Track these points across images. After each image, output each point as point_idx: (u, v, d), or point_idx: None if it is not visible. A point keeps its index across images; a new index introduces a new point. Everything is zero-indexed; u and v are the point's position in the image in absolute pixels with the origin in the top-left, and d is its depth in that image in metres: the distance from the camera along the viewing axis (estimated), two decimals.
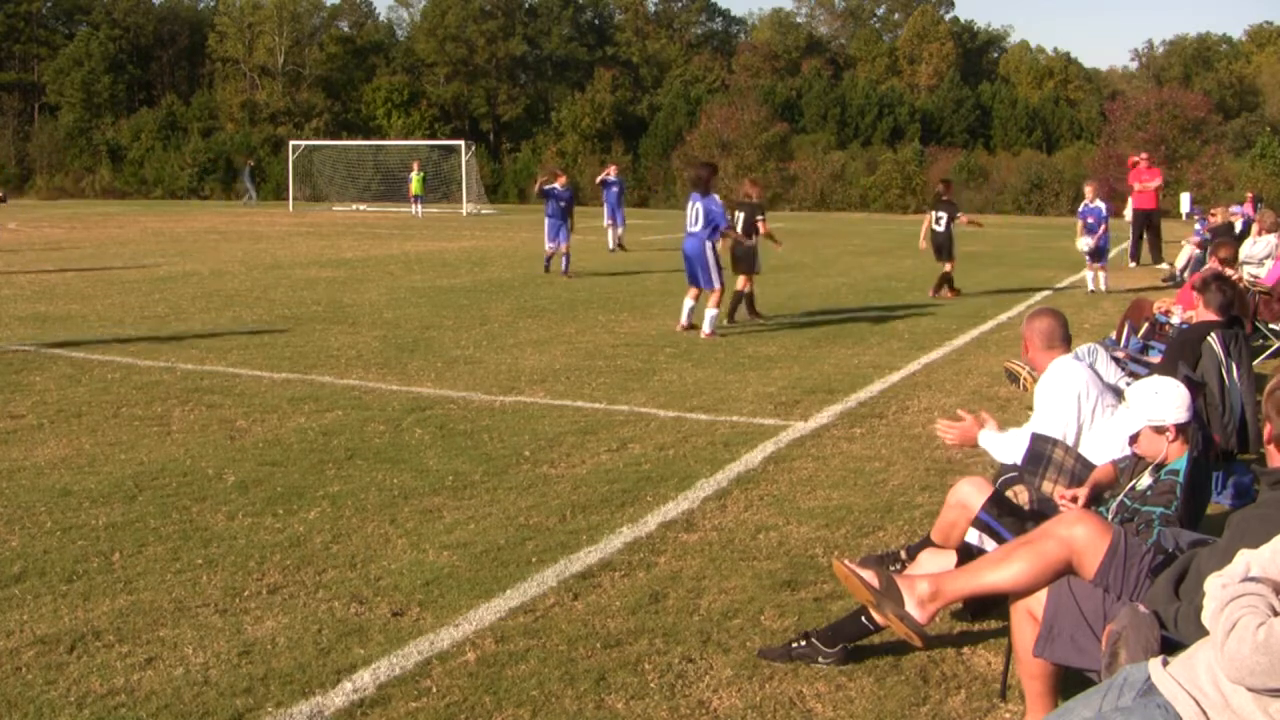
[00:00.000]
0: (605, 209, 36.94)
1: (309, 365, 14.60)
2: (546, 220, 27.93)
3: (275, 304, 20.97)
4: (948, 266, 23.75)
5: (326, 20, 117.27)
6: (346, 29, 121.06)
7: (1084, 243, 24.80)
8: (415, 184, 60.62)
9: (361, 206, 67.21)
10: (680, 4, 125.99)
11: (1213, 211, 31.39)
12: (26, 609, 6.62)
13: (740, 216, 19.73)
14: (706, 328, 17.51)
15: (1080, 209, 26.11)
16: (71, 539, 7.82)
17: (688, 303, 18.15)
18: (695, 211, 18.00)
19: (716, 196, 18.31)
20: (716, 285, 17.82)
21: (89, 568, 7.28)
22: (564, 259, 27.17)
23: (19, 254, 31.27)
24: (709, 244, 17.89)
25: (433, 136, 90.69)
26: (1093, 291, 24.74)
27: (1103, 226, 24.76)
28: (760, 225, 19.71)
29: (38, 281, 24.18)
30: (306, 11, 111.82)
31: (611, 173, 38.06)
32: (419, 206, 59.90)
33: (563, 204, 28.01)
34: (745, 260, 19.54)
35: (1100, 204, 25.52)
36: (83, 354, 15.28)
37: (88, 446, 10.40)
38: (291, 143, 75.73)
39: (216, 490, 9.03)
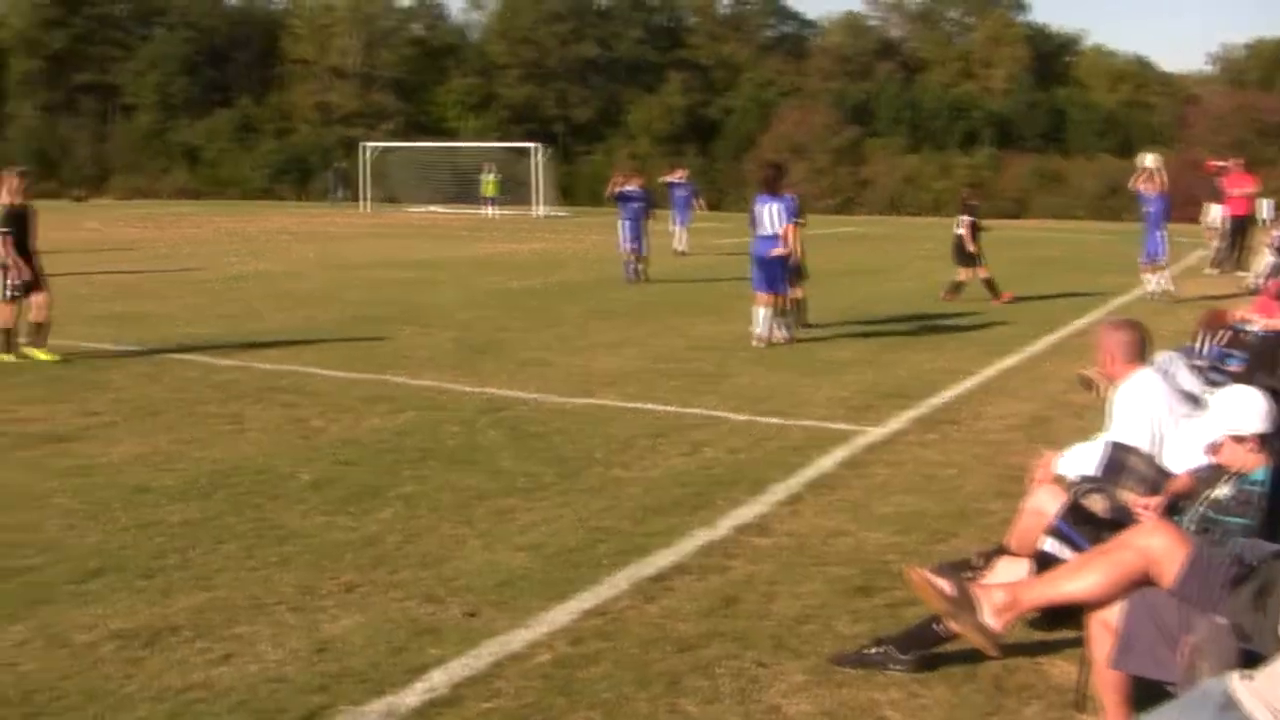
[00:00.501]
0: (673, 212, 36.82)
1: (383, 365, 14.67)
2: (623, 224, 26.98)
3: (349, 304, 21.10)
4: (973, 272, 23.44)
5: (400, 22, 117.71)
6: (419, 31, 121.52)
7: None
8: (488, 186, 60.85)
9: (434, 208, 67.46)
10: (752, 7, 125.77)
11: None
12: (105, 604, 6.69)
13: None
14: (785, 332, 17.28)
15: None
16: (148, 535, 7.90)
17: (762, 311, 17.03)
18: (770, 213, 17.02)
19: (789, 195, 17.65)
20: (784, 290, 17.33)
21: (166, 564, 7.35)
22: (636, 265, 26.57)
23: (97, 254, 31.58)
24: (783, 247, 17.09)
25: (505, 138, 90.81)
26: (1153, 294, 24.24)
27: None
28: None
29: (115, 281, 24.44)
30: (380, 13, 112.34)
31: (678, 175, 37.93)
32: (492, 208, 60.07)
33: (637, 206, 27.06)
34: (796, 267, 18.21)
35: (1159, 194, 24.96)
36: (160, 353, 15.42)
37: (164, 444, 10.50)
38: (365, 144, 76.13)
39: (291, 489, 9.10)
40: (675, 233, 35.94)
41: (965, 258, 23.32)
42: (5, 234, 14.73)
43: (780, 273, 17.13)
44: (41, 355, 14.59)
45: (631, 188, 28.00)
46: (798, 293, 18.41)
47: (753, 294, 17.26)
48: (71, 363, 14.34)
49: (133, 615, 6.53)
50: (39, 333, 14.86)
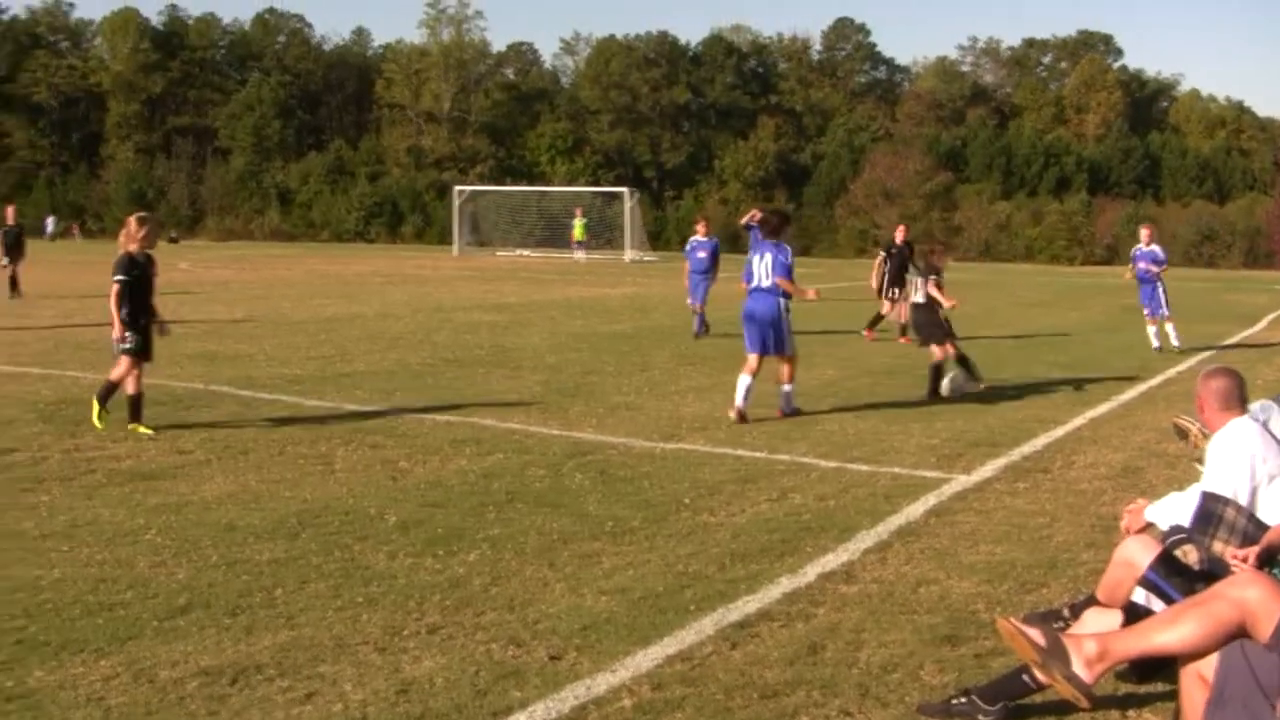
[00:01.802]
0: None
1: (471, 408, 14.72)
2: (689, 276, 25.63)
3: (439, 347, 21.21)
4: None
5: (492, 67, 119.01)
6: (512, 75, 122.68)
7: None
8: (578, 230, 61.16)
9: (525, 252, 67.84)
10: (844, 52, 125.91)
11: None
12: (191, 640, 6.73)
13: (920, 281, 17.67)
14: (784, 406, 15.09)
15: (1134, 251, 24.96)
16: (236, 573, 7.94)
17: (746, 380, 14.68)
18: (765, 264, 14.92)
19: (789, 248, 15.23)
20: (790, 351, 15.02)
21: (252, 602, 7.39)
22: (698, 319, 24.97)
23: (190, 294, 31.98)
24: (783, 302, 14.87)
25: (596, 183, 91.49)
26: (1159, 349, 23.29)
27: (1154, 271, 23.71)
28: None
29: (208, 321, 24.71)
30: (473, 58, 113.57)
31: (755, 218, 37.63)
32: (582, 252, 60.32)
33: (702, 255, 25.44)
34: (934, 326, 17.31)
35: (1156, 248, 24.47)
36: (250, 392, 15.56)
37: (253, 483, 10.57)
38: (456, 188, 76.77)
39: (378, 530, 9.13)
40: None
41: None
42: (116, 282, 12.90)
43: (775, 332, 14.84)
44: (142, 430, 12.75)
45: (700, 238, 26.10)
46: (948, 349, 17.08)
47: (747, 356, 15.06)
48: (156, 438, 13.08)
49: (219, 652, 6.57)
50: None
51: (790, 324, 14.98)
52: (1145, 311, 24.02)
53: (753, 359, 14.80)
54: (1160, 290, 23.68)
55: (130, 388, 12.95)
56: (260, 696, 6.02)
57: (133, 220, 13.39)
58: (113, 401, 13.05)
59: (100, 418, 12.95)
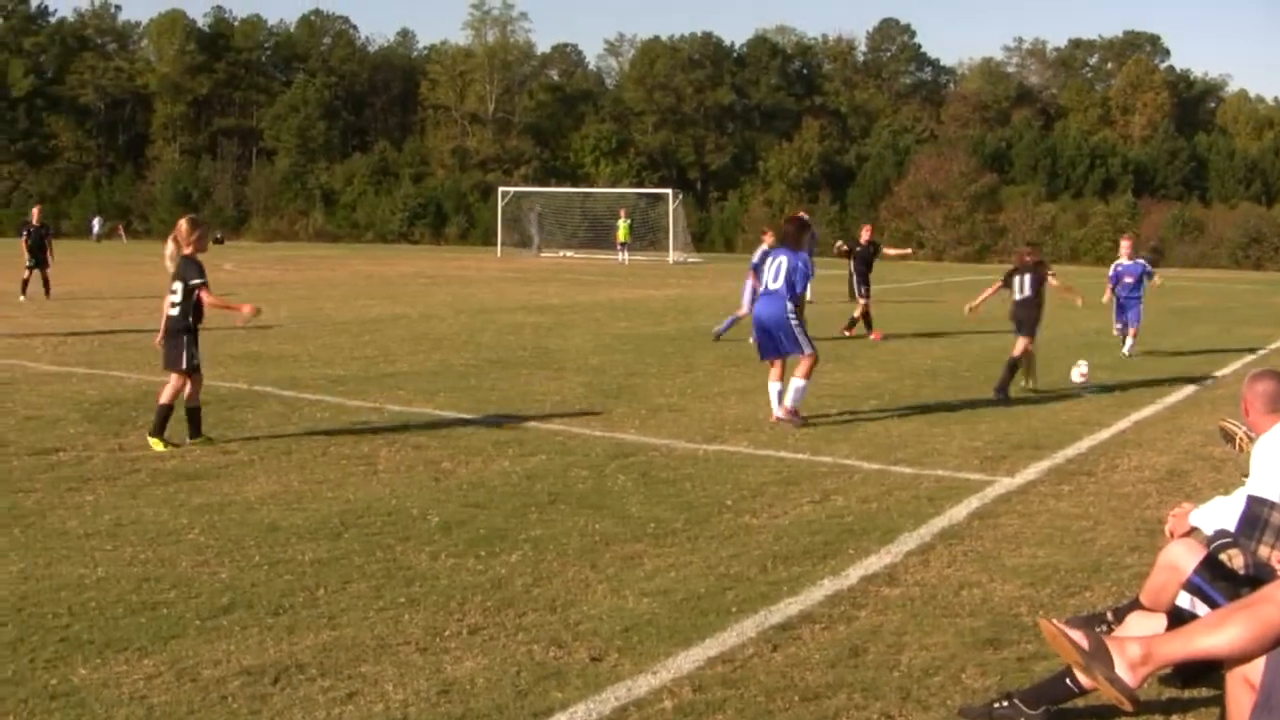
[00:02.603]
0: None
1: (514, 409, 14.74)
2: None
3: (482, 348, 21.25)
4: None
5: (537, 68, 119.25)
6: (556, 77, 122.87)
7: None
8: (622, 231, 61.17)
9: (568, 253, 67.91)
10: (889, 53, 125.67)
11: None
12: (234, 640, 6.75)
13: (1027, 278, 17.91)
14: (790, 401, 14.50)
15: (1115, 268, 23.81)
16: (278, 573, 7.97)
17: (775, 386, 14.69)
18: (777, 267, 14.77)
19: (807, 254, 15.25)
20: (808, 350, 14.58)
21: (294, 602, 7.41)
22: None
23: (234, 294, 32.08)
24: (790, 305, 14.63)
25: (640, 184, 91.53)
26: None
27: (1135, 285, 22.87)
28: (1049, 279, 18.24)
29: (251, 321, 24.79)
30: (517, 60, 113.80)
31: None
32: (626, 254, 60.32)
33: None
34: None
35: (1140, 260, 23.67)
36: (293, 393, 15.62)
37: (296, 483, 10.61)
38: (500, 189, 76.90)
39: (420, 530, 9.14)
40: None
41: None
42: (204, 283, 12.30)
43: (787, 336, 14.60)
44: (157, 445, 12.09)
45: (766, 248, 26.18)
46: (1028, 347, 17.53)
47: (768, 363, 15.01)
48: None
49: (261, 652, 6.59)
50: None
51: (803, 326, 14.64)
52: (1118, 326, 23.42)
53: (773, 366, 14.77)
54: (1141, 307, 23.19)
55: (166, 398, 12.29)
56: (302, 696, 6.04)
57: (184, 223, 12.63)
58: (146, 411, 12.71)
59: (197, 438, 12.39)
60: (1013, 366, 17.18)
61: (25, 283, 30.85)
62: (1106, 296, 23.44)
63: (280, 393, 15.61)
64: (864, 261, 26.73)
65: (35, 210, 33.17)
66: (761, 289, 15.11)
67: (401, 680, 6.25)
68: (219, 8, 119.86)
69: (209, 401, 14.09)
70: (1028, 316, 17.72)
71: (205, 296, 12.29)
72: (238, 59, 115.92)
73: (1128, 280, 23.04)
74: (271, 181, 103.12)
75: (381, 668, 6.42)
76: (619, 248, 61.14)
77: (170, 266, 12.45)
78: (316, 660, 6.48)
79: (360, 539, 8.85)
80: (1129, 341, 22.79)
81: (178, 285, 12.30)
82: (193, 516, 9.37)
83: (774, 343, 14.64)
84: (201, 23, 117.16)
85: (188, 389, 12.41)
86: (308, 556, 8.37)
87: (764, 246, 24.78)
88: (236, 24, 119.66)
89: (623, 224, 62.03)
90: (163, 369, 12.69)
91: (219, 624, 7.00)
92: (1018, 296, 18.00)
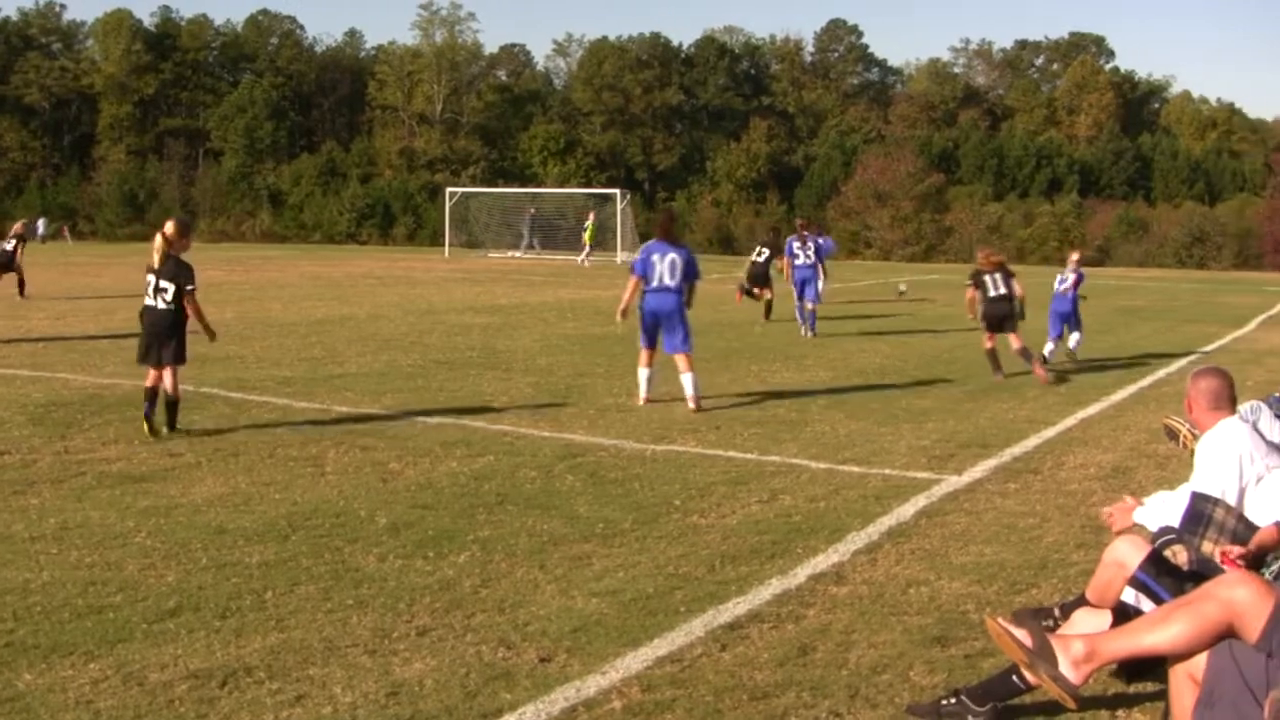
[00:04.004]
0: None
1: (462, 410, 14.71)
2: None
3: (430, 348, 21.20)
4: (768, 294, 25.17)
5: (485, 69, 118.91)
6: (504, 77, 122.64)
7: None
8: (589, 233, 60.71)
9: (516, 254, 67.77)
10: (837, 54, 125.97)
11: None
12: (181, 643, 6.72)
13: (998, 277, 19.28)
14: (695, 393, 15.43)
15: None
16: (226, 576, 7.93)
17: (645, 372, 15.85)
18: (671, 263, 15.61)
19: (686, 247, 16.26)
20: (688, 347, 15.66)
21: (242, 604, 7.38)
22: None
23: None
24: (681, 300, 15.72)
25: (588, 185, 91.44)
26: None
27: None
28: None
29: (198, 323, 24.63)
30: (465, 60, 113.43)
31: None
32: (587, 256, 59.94)
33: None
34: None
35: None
36: (240, 394, 15.54)
37: (243, 485, 10.56)
38: (448, 189, 76.70)
39: (368, 532, 9.12)
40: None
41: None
42: (194, 289, 13.22)
43: (682, 327, 15.68)
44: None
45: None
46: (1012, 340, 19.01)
47: (641, 351, 15.98)
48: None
49: (208, 655, 6.56)
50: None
51: (687, 321, 15.77)
52: (1053, 337, 22.62)
53: (645, 353, 15.85)
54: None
55: (172, 390, 13.03)
56: (250, 699, 6.02)
57: (173, 225, 13.27)
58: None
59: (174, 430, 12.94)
60: (993, 357, 18.94)
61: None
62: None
63: (227, 394, 15.52)
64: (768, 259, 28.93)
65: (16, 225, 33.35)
66: (656, 284, 15.67)
67: (350, 682, 6.24)
68: (166, 8, 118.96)
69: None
70: (1009, 311, 19.11)
71: (190, 303, 13.14)
72: (184, 59, 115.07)
73: (1067, 289, 22.69)
74: (218, 182, 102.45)
75: (330, 670, 6.40)
76: (584, 250, 60.60)
77: (156, 263, 13.00)
78: (264, 663, 6.46)
79: (308, 541, 8.82)
80: (1075, 337, 22.64)
81: (169, 285, 12.97)
82: (139, 519, 9.32)
83: (658, 333, 15.75)
84: (148, 23, 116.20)
85: (168, 382, 12.98)
86: (255, 559, 8.33)
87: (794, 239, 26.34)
88: (183, 24, 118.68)
89: (590, 225, 61.57)
90: (149, 362, 13.07)
91: (166, 627, 6.96)
92: (992, 294, 19.14)
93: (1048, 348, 21.60)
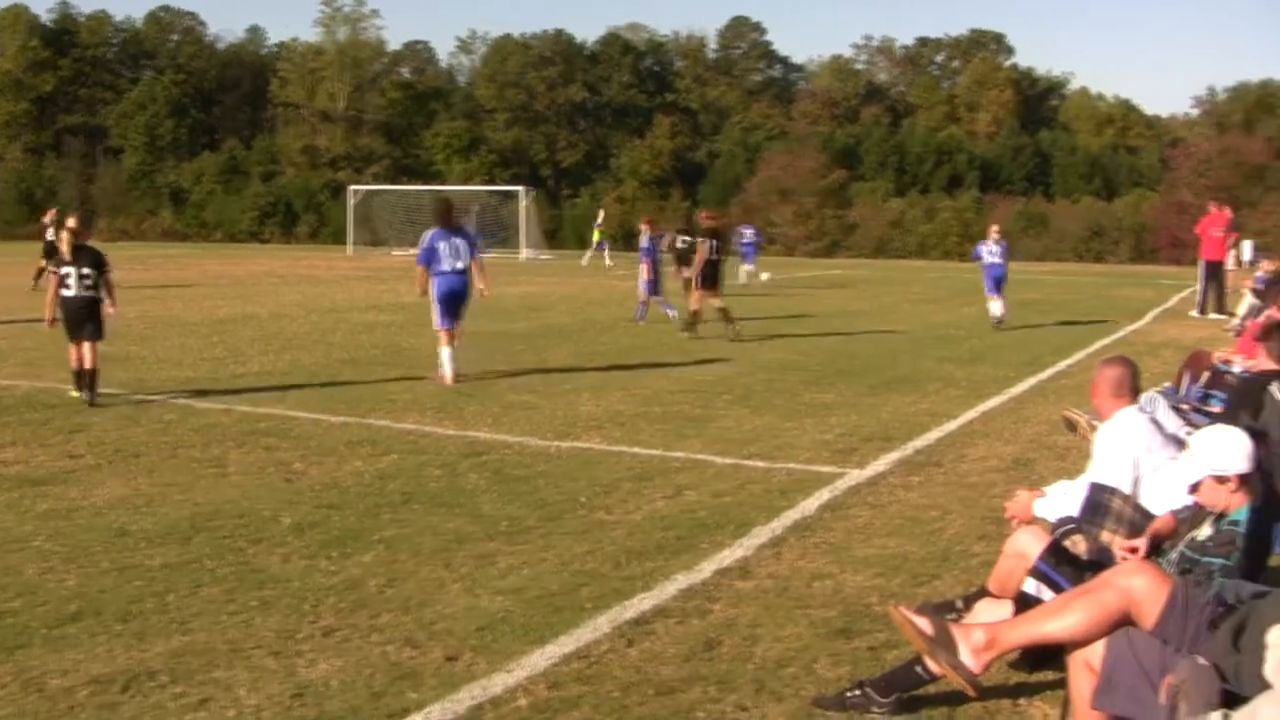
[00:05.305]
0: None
1: (366, 409, 14.64)
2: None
3: (333, 347, 21.09)
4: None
5: (388, 66, 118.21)
6: (407, 74, 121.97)
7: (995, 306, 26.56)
8: (597, 233, 58.79)
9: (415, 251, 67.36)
10: (740, 51, 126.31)
11: (1264, 263, 30.84)
12: (82, 648, 6.65)
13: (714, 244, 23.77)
14: (452, 369, 16.97)
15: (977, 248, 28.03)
16: (127, 579, 7.85)
17: (448, 350, 17.04)
18: (457, 247, 17.22)
19: (470, 230, 18.60)
20: (464, 318, 17.69)
21: (144, 608, 7.31)
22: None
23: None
24: (469, 279, 17.44)
25: (492, 182, 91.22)
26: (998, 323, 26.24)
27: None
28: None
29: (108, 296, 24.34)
30: (368, 57, 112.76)
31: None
32: (591, 254, 58.00)
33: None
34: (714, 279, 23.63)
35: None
36: (141, 395, 15.38)
37: (145, 487, 10.46)
38: (351, 187, 76.31)
39: (272, 532, 9.06)
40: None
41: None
42: (108, 269, 15.62)
43: (464, 306, 17.49)
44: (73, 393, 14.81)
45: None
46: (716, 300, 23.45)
47: (438, 332, 17.23)
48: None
49: (110, 660, 6.49)
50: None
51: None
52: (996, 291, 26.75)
53: (446, 334, 17.12)
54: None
55: (90, 363, 14.71)
56: (153, 704, 5.96)
57: (77, 220, 16.68)
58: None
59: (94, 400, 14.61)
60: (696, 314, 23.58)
61: None
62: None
63: (128, 395, 15.36)
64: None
65: None
66: (448, 268, 17.16)
67: (255, 685, 6.20)
68: (64, 3, 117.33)
69: (55, 405, 13.99)
70: (717, 273, 23.67)
71: (108, 282, 15.40)
72: (83, 55, 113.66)
73: (995, 260, 26.80)
74: (119, 180, 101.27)
75: (234, 672, 6.35)
76: (595, 248, 58.29)
77: (69, 255, 15.33)
78: (167, 666, 6.40)
79: (211, 542, 8.74)
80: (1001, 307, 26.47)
81: (92, 271, 15.13)
82: (38, 523, 9.20)
83: (457, 313, 17.30)
84: (46, 18, 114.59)
85: (88, 355, 14.64)
86: (158, 561, 8.25)
87: (644, 236, 26.38)
88: (82, 20, 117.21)
89: (600, 223, 59.56)
90: (78, 340, 14.74)
91: (66, 632, 6.88)
92: (711, 257, 23.70)
93: (998, 306, 26.35)
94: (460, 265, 17.22)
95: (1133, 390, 7.39)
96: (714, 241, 24.29)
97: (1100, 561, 6.10)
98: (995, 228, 28.59)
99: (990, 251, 26.82)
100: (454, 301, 17.24)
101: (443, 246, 17.16)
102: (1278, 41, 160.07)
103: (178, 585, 7.74)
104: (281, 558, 8.40)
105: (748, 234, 48.18)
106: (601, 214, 62.31)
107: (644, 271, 26.94)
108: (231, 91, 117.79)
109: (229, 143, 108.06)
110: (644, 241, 27.33)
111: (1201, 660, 4.61)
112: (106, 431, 12.94)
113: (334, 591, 7.68)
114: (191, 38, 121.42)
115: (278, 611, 7.29)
